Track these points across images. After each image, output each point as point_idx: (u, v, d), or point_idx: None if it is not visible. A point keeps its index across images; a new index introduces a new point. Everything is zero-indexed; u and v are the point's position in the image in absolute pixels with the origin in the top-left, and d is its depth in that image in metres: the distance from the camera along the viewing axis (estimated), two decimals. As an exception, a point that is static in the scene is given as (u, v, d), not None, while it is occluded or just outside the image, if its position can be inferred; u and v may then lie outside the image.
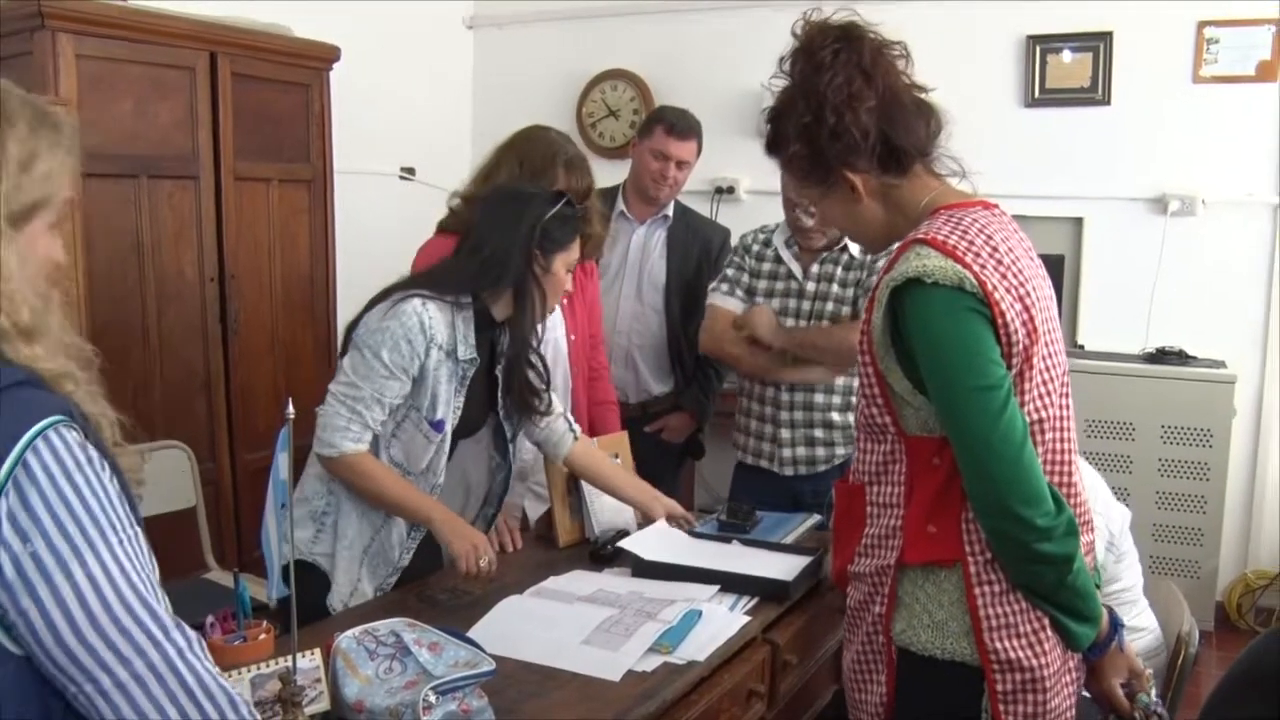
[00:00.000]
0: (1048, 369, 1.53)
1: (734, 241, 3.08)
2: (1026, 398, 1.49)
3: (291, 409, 1.37)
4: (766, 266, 2.88)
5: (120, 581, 1.02)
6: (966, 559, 1.51)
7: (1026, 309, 1.49)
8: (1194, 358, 3.70)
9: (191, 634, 1.07)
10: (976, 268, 1.46)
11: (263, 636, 1.65)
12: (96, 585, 1.01)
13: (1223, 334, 3.85)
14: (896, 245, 1.59)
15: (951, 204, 1.58)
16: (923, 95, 1.60)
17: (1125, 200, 3.96)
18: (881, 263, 2.70)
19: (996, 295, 1.45)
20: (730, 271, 2.95)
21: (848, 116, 1.53)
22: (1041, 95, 3.98)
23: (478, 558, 2.11)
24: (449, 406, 2.18)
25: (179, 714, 1.03)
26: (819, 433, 2.82)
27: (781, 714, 2.16)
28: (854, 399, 2.78)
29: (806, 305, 2.80)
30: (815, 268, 2.81)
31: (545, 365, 2.39)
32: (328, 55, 3.59)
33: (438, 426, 2.17)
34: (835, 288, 2.78)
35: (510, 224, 2.24)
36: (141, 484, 1.12)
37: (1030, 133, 4.02)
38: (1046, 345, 1.52)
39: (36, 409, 1.02)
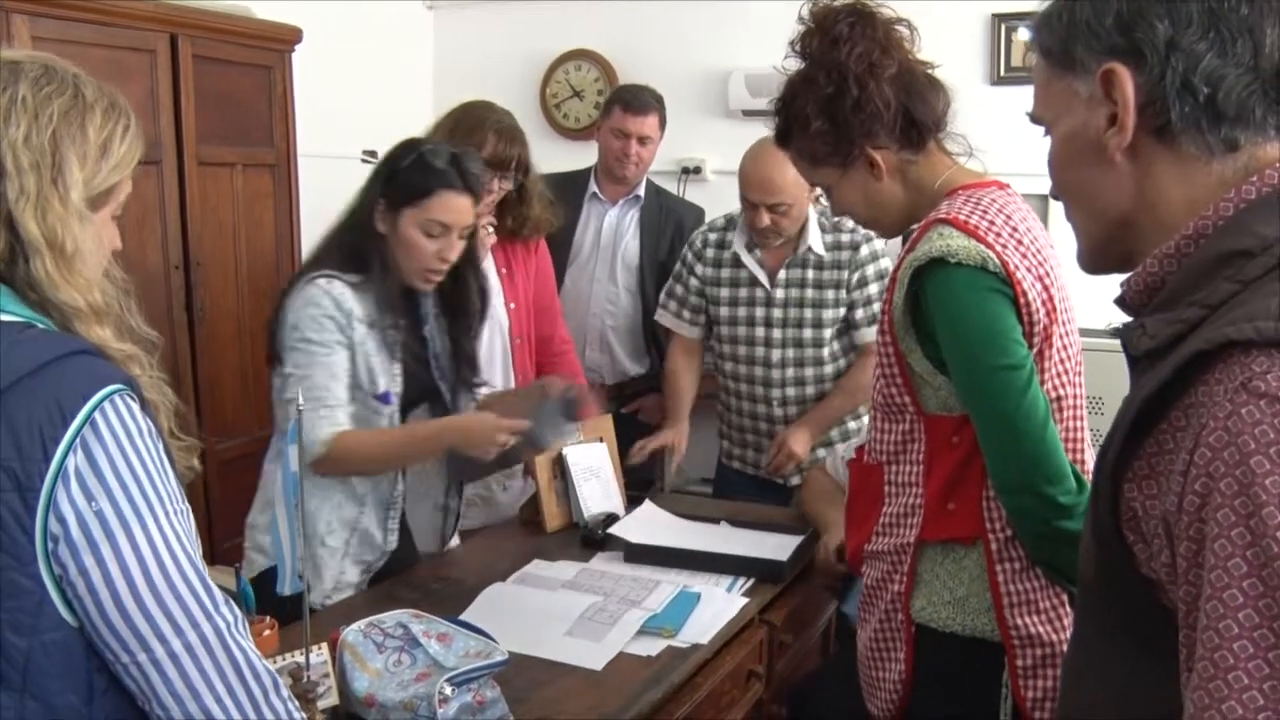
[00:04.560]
0: (1064, 348, 1.54)
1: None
2: (1046, 376, 1.50)
3: (303, 399, 1.34)
4: (726, 273, 2.79)
5: (177, 549, 1.03)
6: (987, 536, 1.51)
7: (1046, 289, 1.51)
8: (1158, 332, 3.75)
9: (238, 611, 1.08)
10: (999, 247, 1.47)
11: (267, 632, 1.61)
12: (155, 550, 1.01)
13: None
14: (916, 227, 1.59)
15: (968, 184, 1.59)
16: (931, 72, 1.61)
17: (1089, 177, 3.98)
18: (865, 251, 2.70)
19: (1018, 275, 1.46)
20: (678, 288, 2.88)
21: (871, 86, 1.54)
22: (1007, 73, 4.00)
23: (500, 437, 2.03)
24: (389, 376, 2.11)
25: (226, 689, 1.04)
26: None
27: (777, 694, 2.16)
28: None
29: (778, 314, 2.73)
30: (783, 273, 2.72)
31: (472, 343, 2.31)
32: (290, 37, 3.50)
33: (385, 399, 2.10)
34: (810, 292, 2.71)
35: (370, 180, 2.14)
36: (189, 478, 1.11)
37: (996, 110, 3.99)
38: (1063, 324, 1.54)
39: (104, 375, 1.03)
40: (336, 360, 2.04)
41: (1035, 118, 1.01)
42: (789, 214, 2.62)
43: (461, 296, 2.27)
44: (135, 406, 1.04)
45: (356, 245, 2.09)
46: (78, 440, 0.99)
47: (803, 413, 2.77)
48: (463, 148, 2.17)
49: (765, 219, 2.62)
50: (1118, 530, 0.85)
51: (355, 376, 2.07)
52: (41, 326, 1.05)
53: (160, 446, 1.06)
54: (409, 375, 2.15)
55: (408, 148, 2.12)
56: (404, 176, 2.07)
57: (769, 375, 2.77)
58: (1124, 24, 0.87)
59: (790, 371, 2.76)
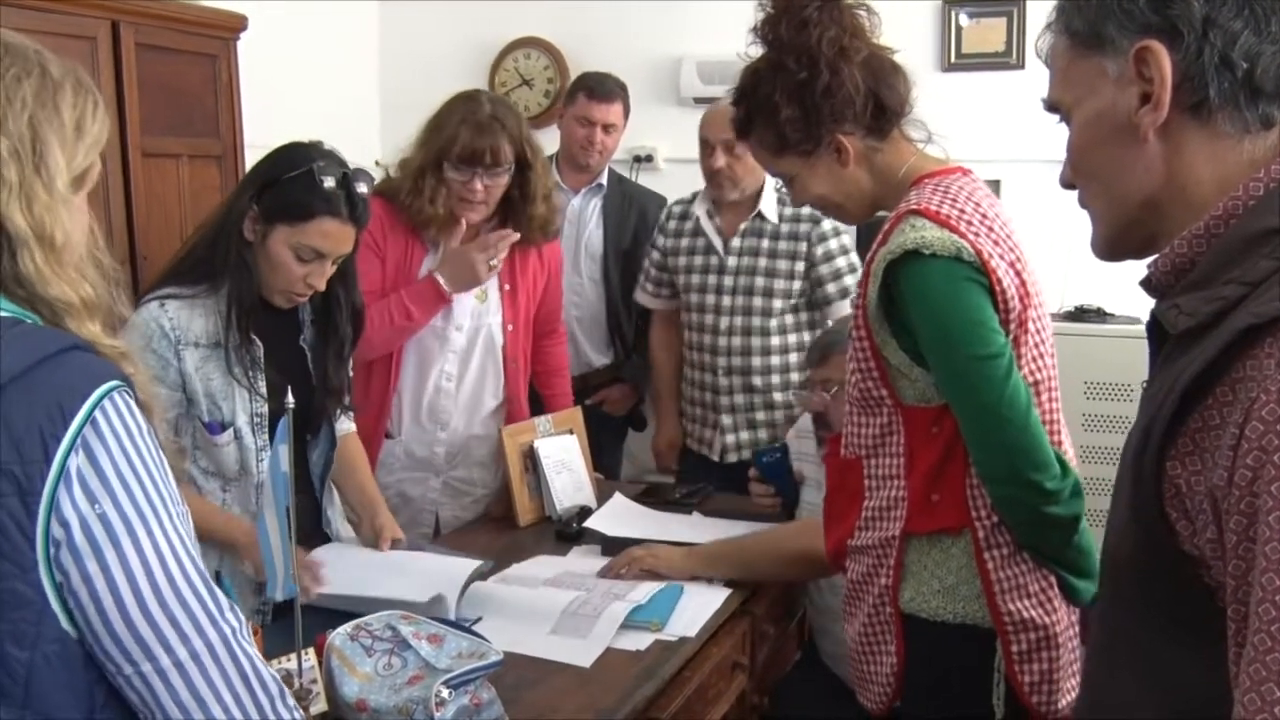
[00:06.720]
0: (1038, 331, 1.55)
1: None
2: (1023, 361, 1.51)
3: (291, 398, 1.29)
4: (685, 241, 2.83)
5: (181, 553, 0.98)
6: (974, 525, 1.51)
7: (1018, 274, 1.51)
8: (1112, 315, 3.80)
9: (242, 617, 1.03)
10: (972, 236, 1.46)
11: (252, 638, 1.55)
12: (160, 555, 0.96)
13: (1138, 291, 3.91)
14: (886, 216, 1.58)
15: (933, 171, 1.59)
16: (891, 56, 1.61)
17: (1041, 162, 3.93)
18: (827, 224, 2.70)
19: (993, 263, 1.46)
20: (654, 271, 2.92)
21: (844, 70, 1.53)
22: (958, 60, 4.02)
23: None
24: (238, 401, 1.91)
25: (233, 698, 0.99)
26: (760, 415, 2.80)
27: (759, 685, 2.15)
28: (792, 376, 2.77)
29: (729, 281, 2.75)
30: (737, 240, 2.74)
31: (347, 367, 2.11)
32: (235, 24, 3.40)
33: (212, 429, 1.90)
34: (763, 261, 2.72)
35: (246, 181, 1.96)
36: (180, 480, 1.05)
37: (948, 97, 4.03)
38: (1035, 308, 1.54)
39: (101, 371, 0.97)
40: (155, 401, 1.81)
41: (1053, 102, 1.01)
42: (745, 158, 2.57)
43: (328, 313, 2.05)
44: (133, 404, 0.98)
45: (213, 250, 1.89)
46: (79, 440, 0.93)
47: (746, 385, 2.77)
48: (355, 167, 1.94)
49: (720, 159, 2.63)
50: (1161, 509, 0.84)
51: (193, 408, 1.89)
52: (30, 322, 0.99)
53: (158, 445, 1.01)
54: (294, 391, 1.81)
55: (296, 155, 1.89)
56: (286, 190, 1.85)
57: (715, 343, 2.79)
58: (1158, 2, 0.88)
59: (736, 340, 2.77)
